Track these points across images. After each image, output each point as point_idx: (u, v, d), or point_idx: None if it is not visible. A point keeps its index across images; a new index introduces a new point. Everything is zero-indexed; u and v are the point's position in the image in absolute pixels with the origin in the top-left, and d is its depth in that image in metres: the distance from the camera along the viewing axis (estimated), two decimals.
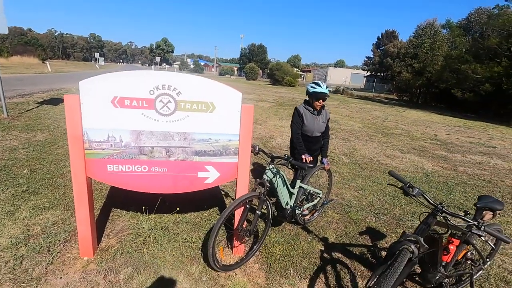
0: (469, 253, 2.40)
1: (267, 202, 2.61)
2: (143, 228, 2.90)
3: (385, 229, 3.44)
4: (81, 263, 2.42)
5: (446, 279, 2.35)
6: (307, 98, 3.21)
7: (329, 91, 3.06)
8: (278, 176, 2.68)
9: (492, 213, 2.14)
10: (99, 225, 3.01)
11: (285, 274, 2.55)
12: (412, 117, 16.00)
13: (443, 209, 1.80)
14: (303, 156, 2.94)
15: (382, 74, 46.01)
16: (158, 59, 60.51)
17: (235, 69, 72.45)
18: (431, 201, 1.86)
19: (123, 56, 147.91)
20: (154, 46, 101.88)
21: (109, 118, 2.26)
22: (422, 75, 25.60)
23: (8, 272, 2.23)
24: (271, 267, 2.62)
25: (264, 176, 2.58)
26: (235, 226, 2.60)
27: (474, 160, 7.21)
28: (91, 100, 2.20)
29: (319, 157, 3.44)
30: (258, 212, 2.50)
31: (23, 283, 2.15)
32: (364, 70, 55.89)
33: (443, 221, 1.80)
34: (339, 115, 13.47)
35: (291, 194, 2.94)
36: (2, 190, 3.46)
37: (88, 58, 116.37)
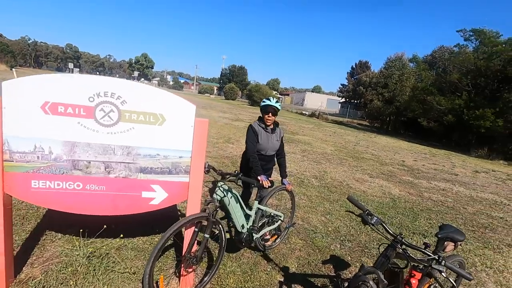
0: (432, 287, 2.26)
1: (219, 225, 2.35)
2: (78, 255, 2.50)
3: (349, 258, 3.26)
4: None
5: None
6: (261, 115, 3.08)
7: (279, 105, 2.96)
8: (230, 195, 2.44)
9: (453, 244, 2.03)
10: (24, 250, 2.57)
11: None
12: (382, 143, 16.56)
13: (403, 240, 1.65)
14: (259, 178, 2.74)
15: (355, 101, 48.16)
16: (136, 73, 59.49)
17: (215, 88, 72.89)
18: (391, 232, 1.70)
19: (100, 68, 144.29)
20: (133, 61, 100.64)
21: (37, 126, 1.95)
22: (391, 103, 27.03)
23: None
24: None
25: (214, 195, 2.34)
26: (183, 252, 2.30)
27: (438, 186, 7.40)
28: (16, 104, 1.90)
29: (279, 178, 3.27)
30: (207, 236, 2.23)
31: None
32: (339, 96, 58.32)
33: (403, 253, 1.64)
34: (312, 138, 13.62)
35: (247, 216, 2.71)
36: None
37: (62, 68, 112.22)
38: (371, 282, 1.63)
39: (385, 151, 12.82)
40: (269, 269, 2.84)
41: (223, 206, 2.46)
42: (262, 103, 2.96)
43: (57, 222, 3.03)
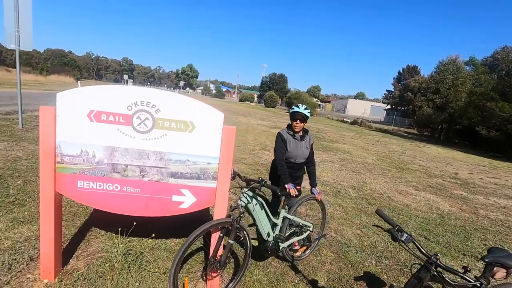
0: None
1: (244, 231, 2.36)
2: (116, 252, 2.70)
3: (385, 276, 3.03)
4: (39, 286, 2.23)
5: None
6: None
7: (308, 112, 2.89)
8: (254, 201, 2.44)
9: (505, 270, 1.77)
10: (73, 244, 2.85)
11: None
12: (432, 153, 15.25)
13: (438, 262, 1.49)
14: (287, 186, 2.70)
15: (402, 108, 45.19)
16: (182, 83, 63.20)
17: (255, 96, 74.10)
18: (423, 251, 1.55)
19: (151, 79, 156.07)
20: (180, 71, 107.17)
21: (84, 132, 2.17)
22: (444, 110, 24.81)
23: None
24: None
25: (239, 202, 2.36)
26: (209, 256, 2.35)
27: (498, 203, 6.56)
28: (68, 113, 2.14)
29: (309, 187, 3.19)
30: (231, 241, 2.25)
31: None
32: (384, 103, 55.29)
33: (437, 276, 1.48)
34: (353, 146, 13.05)
35: (274, 224, 2.67)
36: None
37: (118, 79, 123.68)
38: None
39: (435, 162, 11.77)
40: (296, 281, 2.76)
41: (249, 212, 2.47)
42: (291, 110, 2.94)
43: (102, 220, 3.30)
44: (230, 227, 2.28)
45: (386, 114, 51.41)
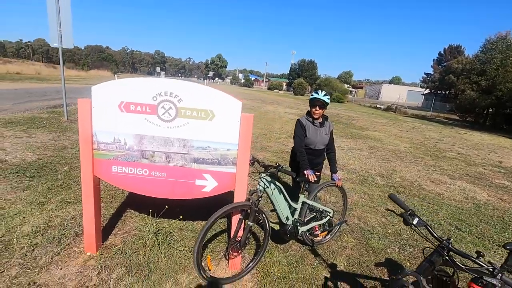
0: None
1: (262, 214, 2.47)
2: (148, 231, 2.96)
3: (409, 263, 2.99)
4: (83, 257, 2.55)
5: None
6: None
7: (327, 99, 2.87)
8: (273, 186, 2.53)
9: None
10: (111, 223, 3.17)
11: None
12: (474, 140, 14.15)
13: (450, 246, 1.47)
14: (305, 172, 2.74)
15: (443, 92, 42.00)
16: (211, 73, 64.18)
17: (284, 84, 73.12)
18: (436, 235, 1.54)
19: (182, 70, 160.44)
20: (209, 62, 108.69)
21: (115, 121, 2.39)
22: (490, 93, 22.67)
23: (19, 257, 2.44)
24: None
25: (257, 186, 2.46)
26: (231, 237, 2.51)
27: None
28: (101, 104, 2.36)
29: (329, 173, 3.20)
30: (250, 223, 2.38)
31: (28, 269, 2.32)
32: (422, 87, 51.73)
33: (449, 260, 1.47)
34: (385, 134, 12.54)
35: (293, 208, 2.75)
36: (42, 183, 3.88)
37: (152, 72, 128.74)
38: (411, 287, 1.51)
39: (476, 150, 10.95)
40: (315, 264, 2.84)
41: (268, 196, 2.58)
42: (310, 96, 2.95)
43: (136, 202, 3.61)
44: (249, 210, 2.40)
45: (424, 99, 48.11)
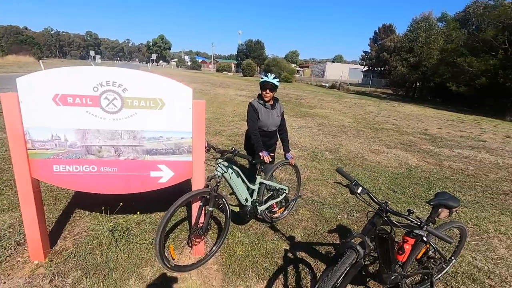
0: (430, 252, 2.32)
1: (222, 199, 2.53)
2: (103, 229, 2.81)
3: (355, 227, 3.36)
4: (30, 267, 2.34)
5: (406, 279, 2.27)
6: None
7: (277, 81, 2.98)
8: (230, 171, 2.59)
9: (447, 210, 2.05)
10: (58, 226, 2.93)
11: (243, 275, 2.47)
12: (405, 111, 15.89)
13: (387, 208, 1.71)
14: (261, 154, 2.85)
15: (379, 68, 45.69)
16: (154, 56, 60.09)
17: (233, 65, 72.05)
18: (376, 200, 1.77)
19: (120, 54, 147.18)
20: (151, 44, 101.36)
21: (51, 116, 2.16)
22: (417, 69, 25.42)
23: None
24: (230, 268, 2.54)
25: (215, 172, 2.50)
26: (192, 224, 2.53)
27: (461, 154, 7.13)
28: (31, 98, 2.10)
29: (283, 152, 3.37)
30: (210, 209, 2.42)
31: None
32: (361, 65, 55.58)
33: (387, 220, 1.71)
34: (331, 111, 13.36)
35: (251, 190, 2.86)
36: None
37: (85, 56, 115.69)
38: (358, 247, 1.73)
39: (407, 120, 12.35)
40: (275, 239, 3.03)
41: (226, 181, 2.63)
42: (260, 80, 3.00)
43: (84, 201, 3.37)
44: (208, 196, 2.43)
45: (364, 76, 51.88)
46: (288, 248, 2.90)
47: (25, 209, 2.29)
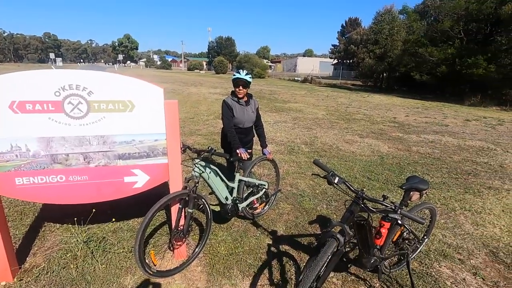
0: (405, 233, 2.44)
1: (202, 199, 2.49)
2: (76, 241, 2.67)
3: (335, 216, 3.46)
4: None
5: (384, 261, 2.37)
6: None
7: (249, 78, 2.98)
8: (208, 170, 2.56)
9: (418, 193, 2.17)
10: (26, 242, 2.74)
11: (228, 274, 2.46)
12: (375, 101, 16.54)
13: (363, 195, 1.77)
14: (238, 151, 2.84)
15: (348, 61, 47.12)
16: (120, 57, 57.64)
17: (204, 63, 70.95)
18: (353, 189, 1.83)
19: (83, 55, 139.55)
20: (116, 44, 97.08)
21: (9, 126, 2.00)
22: (383, 60, 26.52)
23: None
24: (214, 268, 2.51)
25: (192, 173, 2.45)
26: (173, 227, 2.47)
27: (427, 139, 7.56)
28: None
29: (260, 148, 3.38)
30: (190, 210, 2.38)
31: None
32: (331, 58, 56.98)
33: (364, 207, 1.78)
34: (304, 104, 13.59)
35: (230, 188, 2.85)
36: None
37: (44, 59, 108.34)
38: (338, 235, 1.78)
39: (377, 110, 12.87)
40: (258, 234, 3.04)
41: (205, 181, 2.59)
42: (232, 77, 2.98)
43: (54, 213, 3.18)
44: (187, 198, 2.38)
45: (334, 69, 53.30)
46: (271, 242, 2.92)
47: None
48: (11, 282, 2.23)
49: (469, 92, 18.38)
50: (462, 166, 5.43)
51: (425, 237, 2.73)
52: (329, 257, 1.76)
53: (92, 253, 2.53)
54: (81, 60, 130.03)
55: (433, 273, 2.58)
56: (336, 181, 1.80)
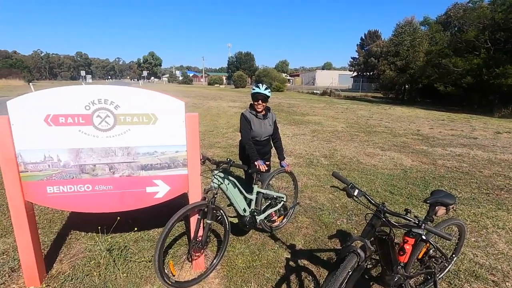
0: (431, 251, 2.32)
1: (220, 210, 2.51)
2: (100, 249, 2.76)
3: (355, 231, 3.35)
4: None
5: (409, 280, 2.26)
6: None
7: (268, 92, 3.02)
8: (227, 181, 2.58)
9: (444, 208, 2.07)
10: (54, 249, 2.87)
11: (245, 287, 2.43)
12: (397, 113, 16.12)
13: (385, 209, 1.72)
14: (256, 163, 2.86)
15: (368, 73, 46.57)
16: (145, 73, 60.35)
17: (224, 78, 72.66)
18: (373, 202, 1.78)
19: (111, 72, 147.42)
20: (141, 61, 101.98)
21: (43, 137, 2.15)
22: (405, 71, 25.95)
23: None
24: (231, 281, 2.50)
25: (211, 184, 2.49)
26: (191, 238, 2.49)
27: (454, 152, 7.22)
28: (23, 120, 2.09)
29: (278, 161, 3.38)
30: (208, 222, 2.40)
31: None
32: (350, 70, 56.56)
33: (385, 221, 1.72)
34: (323, 117, 13.48)
35: (249, 200, 2.85)
36: None
37: (76, 76, 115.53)
38: (359, 250, 1.73)
39: (399, 122, 12.52)
40: (276, 248, 2.99)
41: (223, 192, 2.62)
42: (252, 91, 3.03)
43: (80, 222, 3.31)
44: (206, 209, 2.41)
45: (353, 81, 52.73)
46: (289, 256, 2.87)
47: (19, 233, 2.24)
48: (38, 287, 2.33)
49: (499, 103, 17.51)
50: (493, 181, 5.12)
51: (453, 255, 2.58)
52: (349, 273, 1.70)
53: (114, 261, 2.59)
54: (109, 77, 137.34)
55: None
56: (355, 193, 1.76)
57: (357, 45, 53.67)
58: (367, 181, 4.97)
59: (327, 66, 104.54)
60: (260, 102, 3.04)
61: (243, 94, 30.12)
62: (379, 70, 31.80)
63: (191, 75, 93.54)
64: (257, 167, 2.86)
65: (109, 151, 2.28)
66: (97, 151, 2.26)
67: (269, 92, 3.06)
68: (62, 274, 2.49)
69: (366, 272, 2.58)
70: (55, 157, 2.20)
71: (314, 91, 37.54)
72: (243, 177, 4.04)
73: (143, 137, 2.30)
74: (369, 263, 2.50)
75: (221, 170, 2.54)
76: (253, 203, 2.89)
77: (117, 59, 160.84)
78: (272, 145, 3.34)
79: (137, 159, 2.34)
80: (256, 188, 2.90)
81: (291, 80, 65.86)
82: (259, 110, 3.08)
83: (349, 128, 10.51)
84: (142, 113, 2.26)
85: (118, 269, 2.52)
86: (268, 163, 3.25)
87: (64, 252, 2.83)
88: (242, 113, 3.13)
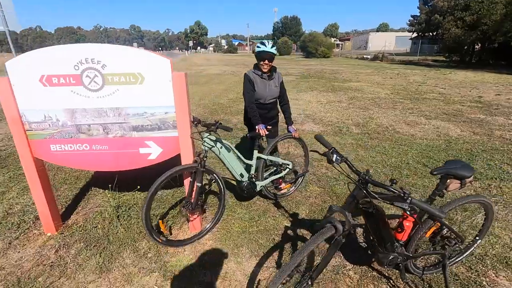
0: (444, 231, 1.99)
1: (213, 174, 2.45)
2: (110, 205, 2.95)
3: None
4: (43, 239, 2.56)
5: (411, 260, 2.00)
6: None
7: (275, 50, 2.72)
8: (219, 145, 2.47)
9: (458, 181, 1.70)
10: (75, 203, 3.16)
11: (236, 251, 2.41)
12: (458, 78, 14.03)
13: (367, 178, 1.45)
14: (257, 127, 2.68)
15: (431, 34, 40.74)
16: (191, 43, 61.38)
17: None
18: (355, 169, 1.51)
19: (162, 43, 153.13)
20: (188, 31, 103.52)
21: (41, 97, 2.24)
22: (475, 29, 22.03)
23: None
24: (224, 243, 2.49)
25: (202, 146, 2.40)
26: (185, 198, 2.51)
27: None
28: (21, 81, 2.20)
29: (285, 125, 3.14)
30: (198, 184, 2.36)
31: None
32: (409, 31, 50.16)
33: (365, 192, 1.46)
34: (367, 83, 12.35)
35: (248, 165, 2.73)
36: (3, 173, 3.81)
37: None
38: (336, 223, 1.52)
39: (458, 88, 10.89)
40: (277, 215, 2.89)
41: (218, 156, 2.54)
42: (257, 49, 2.77)
43: (101, 180, 3.57)
44: (196, 171, 2.36)
45: (412, 44, 46.87)
46: (289, 225, 2.75)
47: (33, 187, 2.47)
48: (54, 234, 2.60)
49: None
50: None
51: (477, 237, 2.20)
52: (318, 245, 1.52)
53: (118, 217, 2.76)
54: (160, 48, 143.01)
55: (484, 282, 2.07)
56: (333, 159, 1.52)
57: (419, 0, 46.82)
58: (398, 152, 4.46)
59: (382, 28, 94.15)
60: (266, 61, 2.78)
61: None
62: (444, 29, 27.54)
63: (236, 43, 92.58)
64: (257, 131, 2.69)
65: (101, 111, 2.31)
66: (90, 112, 2.30)
67: (275, 50, 2.78)
68: (76, 225, 2.74)
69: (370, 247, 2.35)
70: (53, 116, 2.30)
71: (364, 56, 34.45)
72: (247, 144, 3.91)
73: (131, 97, 2.27)
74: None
75: (211, 132, 2.43)
76: (252, 168, 2.78)
77: (167, 30, 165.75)
78: (279, 109, 3.10)
79: (128, 120, 2.34)
80: (256, 153, 2.76)
81: (340, 45, 61.27)
82: (265, 70, 2.83)
83: (394, 95, 9.48)
84: (128, 72, 2.21)
85: (121, 224, 2.68)
86: (276, 128, 3.05)
87: (82, 206, 3.10)
88: (245, 74, 2.91)
